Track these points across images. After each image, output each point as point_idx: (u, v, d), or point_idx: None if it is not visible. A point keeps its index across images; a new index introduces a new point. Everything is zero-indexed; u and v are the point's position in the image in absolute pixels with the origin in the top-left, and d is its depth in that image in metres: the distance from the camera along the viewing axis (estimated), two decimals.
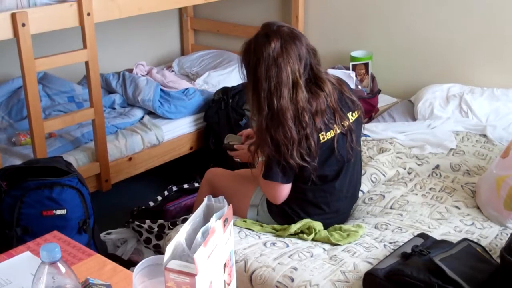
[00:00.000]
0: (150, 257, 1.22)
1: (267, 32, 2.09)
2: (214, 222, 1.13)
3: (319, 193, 2.23)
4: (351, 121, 2.21)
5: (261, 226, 2.26)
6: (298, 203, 2.24)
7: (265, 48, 2.05)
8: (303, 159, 2.09)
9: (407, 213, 2.32)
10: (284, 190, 2.20)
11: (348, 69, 3.51)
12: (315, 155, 2.10)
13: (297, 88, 2.07)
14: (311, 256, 2.02)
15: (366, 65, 3.54)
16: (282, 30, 2.09)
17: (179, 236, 1.11)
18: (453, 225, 2.22)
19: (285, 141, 2.05)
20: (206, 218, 1.19)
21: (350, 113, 2.22)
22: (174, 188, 3.02)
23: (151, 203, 2.95)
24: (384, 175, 2.62)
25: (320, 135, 2.11)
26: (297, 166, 2.11)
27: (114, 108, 3.48)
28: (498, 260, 1.78)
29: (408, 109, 3.36)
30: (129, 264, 2.59)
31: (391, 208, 2.38)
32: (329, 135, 2.14)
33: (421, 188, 2.52)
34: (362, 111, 2.31)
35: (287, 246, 2.09)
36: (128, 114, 3.38)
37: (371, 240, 2.12)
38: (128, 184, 3.35)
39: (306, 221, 2.21)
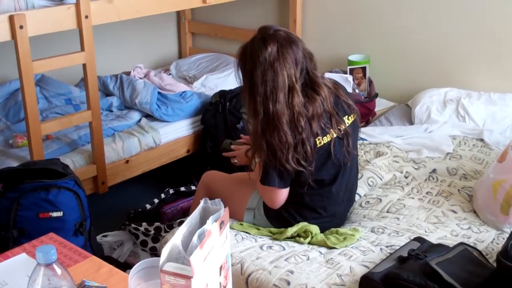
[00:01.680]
0: (146, 260, 1.22)
1: (264, 36, 2.09)
2: (211, 225, 1.13)
3: (316, 197, 2.23)
4: (347, 125, 2.20)
5: (258, 229, 2.26)
6: (295, 207, 2.24)
7: (262, 52, 2.05)
8: (299, 163, 2.09)
9: (404, 217, 2.32)
10: (282, 194, 2.19)
11: (345, 73, 3.51)
12: (311, 159, 2.10)
13: (293, 93, 2.06)
14: (308, 259, 2.02)
15: (364, 69, 3.54)
16: (278, 34, 2.08)
17: (175, 238, 1.11)
18: (449, 229, 2.22)
19: (280, 146, 2.05)
20: (202, 221, 1.19)
21: (346, 116, 2.22)
22: (171, 191, 3.02)
23: (148, 206, 2.94)
24: (381, 178, 2.62)
25: (316, 139, 2.11)
26: (294, 171, 2.11)
27: (111, 111, 3.48)
28: (495, 264, 1.78)
29: (405, 113, 3.36)
30: (126, 266, 2.58)
31: (387, 211, 2.38)
32: (326, 139, 2.14)
33: (417, 192, 2.52)
34: (358, 114, 2.30)
35: (284, 249, 2.09)
36: (126, 117, 3.38)
37: (367, 244, 2.12)
38: (125, 187, 3.34)
39: (303, 225, 2.20)
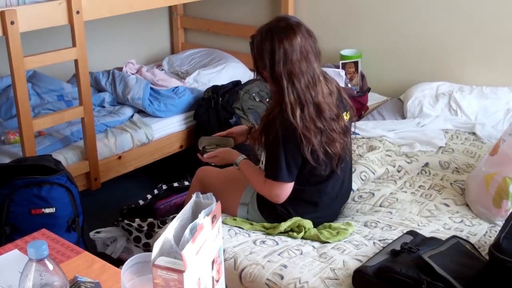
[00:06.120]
0: (138, 255, 1.22)
1: (289, 24, 2.11)
2: (203, 219, 1.12)
3: (312, 192, 2.23)
4: (345, 121, 2.21)
5: (251, 224, 2.26)
6: (290, 202, 2.23)
7: (291, 39, 2.07)
8: (325, 150, 2.12)
9: (397, 210, 2.33)
10: (289, 188, 2.19)
11: (338, 67, 3.51)
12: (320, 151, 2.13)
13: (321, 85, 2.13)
14: (301, 253, 2.03)
15: (356, 63, 3.55)
16: (302, 26, 2.13)
17: (167, 233, 1.11)
18: (442, 222, 2.22)
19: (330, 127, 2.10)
20: (194, 215, 1.19)
21: (345, 113, 2.22)
22: (164, 187, 3.01)
23: (141, 202, 2.94)
24: (373, 173, 2.62)
25: None
26: (302, 157, 2.12)
27: (103, 107, 3.47)
28: (487, 257, 1.79)
29: (398, 107, 3.36)
30: (119, 263, 2.58)
31: (380, 206, 2.39)
32: None
33: (410, 185, 2.53)
34: (354, 111, 2.32)
35: (277, 244, 2.09)
36: (118, 113, 3.37)
37: (360, 238, 2.13)
38: (118, 183, 3.33)
39: (296, 219, 2.20)
